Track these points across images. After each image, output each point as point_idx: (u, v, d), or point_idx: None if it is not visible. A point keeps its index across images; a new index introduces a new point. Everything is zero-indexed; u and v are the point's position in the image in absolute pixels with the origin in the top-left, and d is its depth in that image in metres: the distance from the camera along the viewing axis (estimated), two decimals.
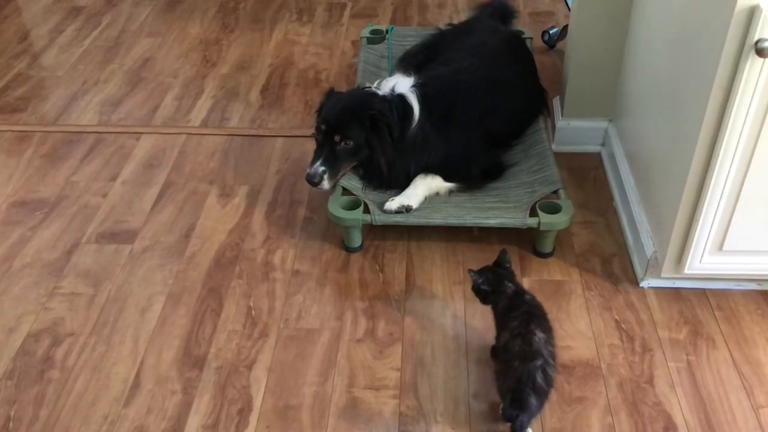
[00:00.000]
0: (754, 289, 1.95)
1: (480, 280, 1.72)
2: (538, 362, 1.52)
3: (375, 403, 1.70)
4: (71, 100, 2.87)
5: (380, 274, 2.05)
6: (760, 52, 1.48)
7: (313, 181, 2.07)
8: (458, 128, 2.16)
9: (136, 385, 1.75)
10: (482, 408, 1.68)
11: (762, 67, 1.52)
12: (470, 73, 2.28)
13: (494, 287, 1.70)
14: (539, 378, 1.51)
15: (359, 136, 2.07)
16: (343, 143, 2.08)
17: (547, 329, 1.61)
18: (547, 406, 1.66)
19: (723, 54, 1.53)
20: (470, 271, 1.75)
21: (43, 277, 2.06)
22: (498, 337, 1.66)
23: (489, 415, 1.66)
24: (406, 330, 1.88)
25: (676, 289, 1.96)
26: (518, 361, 1.53)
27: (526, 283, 1.99)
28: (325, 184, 2.08)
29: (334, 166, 2.09)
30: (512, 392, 1.51)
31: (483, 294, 1.72)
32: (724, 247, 1.80)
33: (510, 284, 1.70)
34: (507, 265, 1.75)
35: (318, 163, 2.08)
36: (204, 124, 2.72)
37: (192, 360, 1.81)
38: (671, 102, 1.87)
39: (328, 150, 2.09)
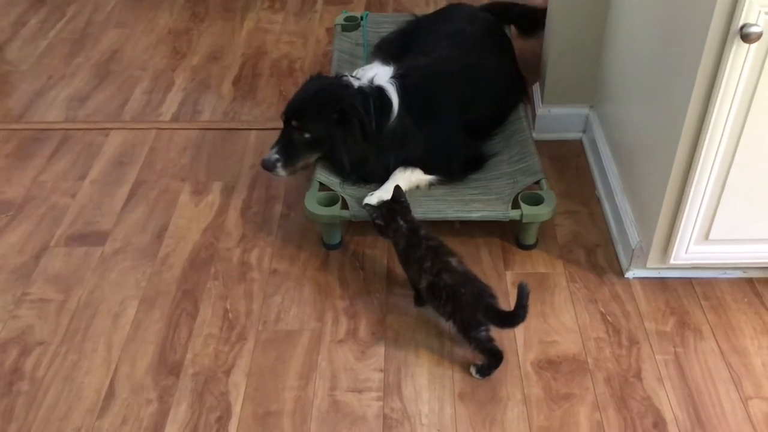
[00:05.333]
0: (740, 276, 1.93)
1: (375, 214, 1.82)
2: (477, 283, 1.68)
3: (358, 405, 1.66)
4: (36, 95, 2.77)
5: (361, 272, 1.99)
6: (745, 38, 1.44)
7: (266, 167, 2.03)
8: (438, 120, 2.11)
9: (110, 395, 1.69)
10: (468, 408, 1.64)
11: (747, 53, 1.48)
12: (449, 63, 2.21)
13: (388, 222, 1.81)
14: (487, 296, 1.66)
15: (320, 129, 2.00)
16: (299, 133, 2.02)
17: (452, 253, 1.76)
18: (534, 404, 1.64)
19: (708, 39, 1.49)
20: (365, 204, 1.90)
21: (10, 283, 1.98)
22: (414, 279, 1.80)
23: (475, 416, 1.63)
24: (388, 329, 1.83)
25: (662, 279, 1.93)
26: (463, 288, 1.66)
27: (509, 276, 1.96)
28: (280, 171, 2.04)
29: (290, 156, 2.03)
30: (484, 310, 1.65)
31: (378, 228, 1.84)
32: (711, 237, 1.77)
33: (403, 222, 1.80)
34: (402, 200, 1.84)
35: (274, 150, 2.03)
36: (175, 118, 2.63)
37: (168, 367, 1.75)
38: (655, 88, 1.82)
39: (286, 138, 2.04)
